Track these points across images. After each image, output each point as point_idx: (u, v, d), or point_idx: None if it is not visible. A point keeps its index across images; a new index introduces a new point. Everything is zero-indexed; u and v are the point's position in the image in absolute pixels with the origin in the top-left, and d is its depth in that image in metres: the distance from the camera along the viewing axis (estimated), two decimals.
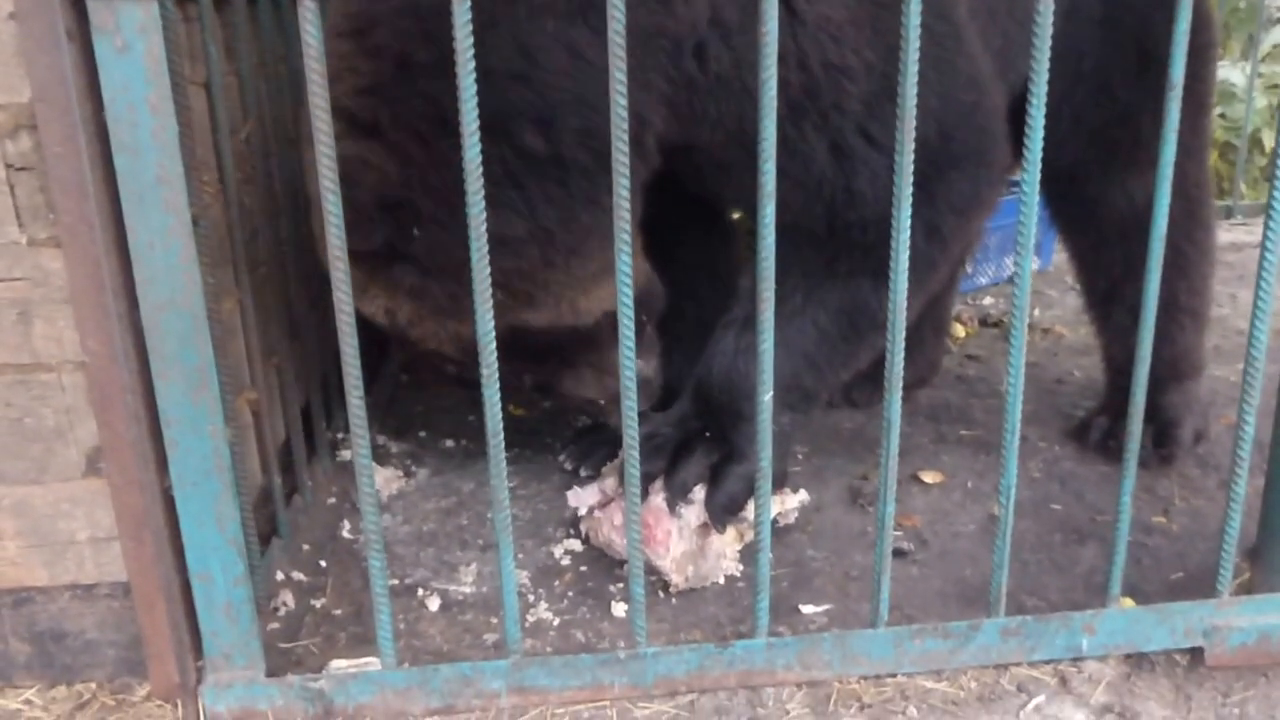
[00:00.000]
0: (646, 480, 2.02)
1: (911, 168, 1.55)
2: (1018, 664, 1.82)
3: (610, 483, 2.16)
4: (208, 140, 1.92)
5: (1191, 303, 2.60)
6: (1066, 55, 2.17)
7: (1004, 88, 2.24)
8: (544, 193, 1.88)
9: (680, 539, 2.03)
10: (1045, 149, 1.58)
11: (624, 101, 1.43)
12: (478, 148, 1.44)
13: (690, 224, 2.54)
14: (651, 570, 2.03)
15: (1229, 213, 4.79)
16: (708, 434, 2.13)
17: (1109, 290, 2.62)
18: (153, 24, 1.38)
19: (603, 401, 2.37)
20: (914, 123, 1.52)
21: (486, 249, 1.48)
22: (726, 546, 2.10)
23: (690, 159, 2.05)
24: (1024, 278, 1.64)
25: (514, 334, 1.95)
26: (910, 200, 1.57)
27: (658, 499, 2.04)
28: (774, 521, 2.09)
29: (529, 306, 2.04)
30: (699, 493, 2.07)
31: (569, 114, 1.82)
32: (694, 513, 2.06)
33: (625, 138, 1.45)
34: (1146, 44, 2.39)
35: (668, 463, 2.09)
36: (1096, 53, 2.41)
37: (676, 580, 2.03)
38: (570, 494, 2.21)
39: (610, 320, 1.99)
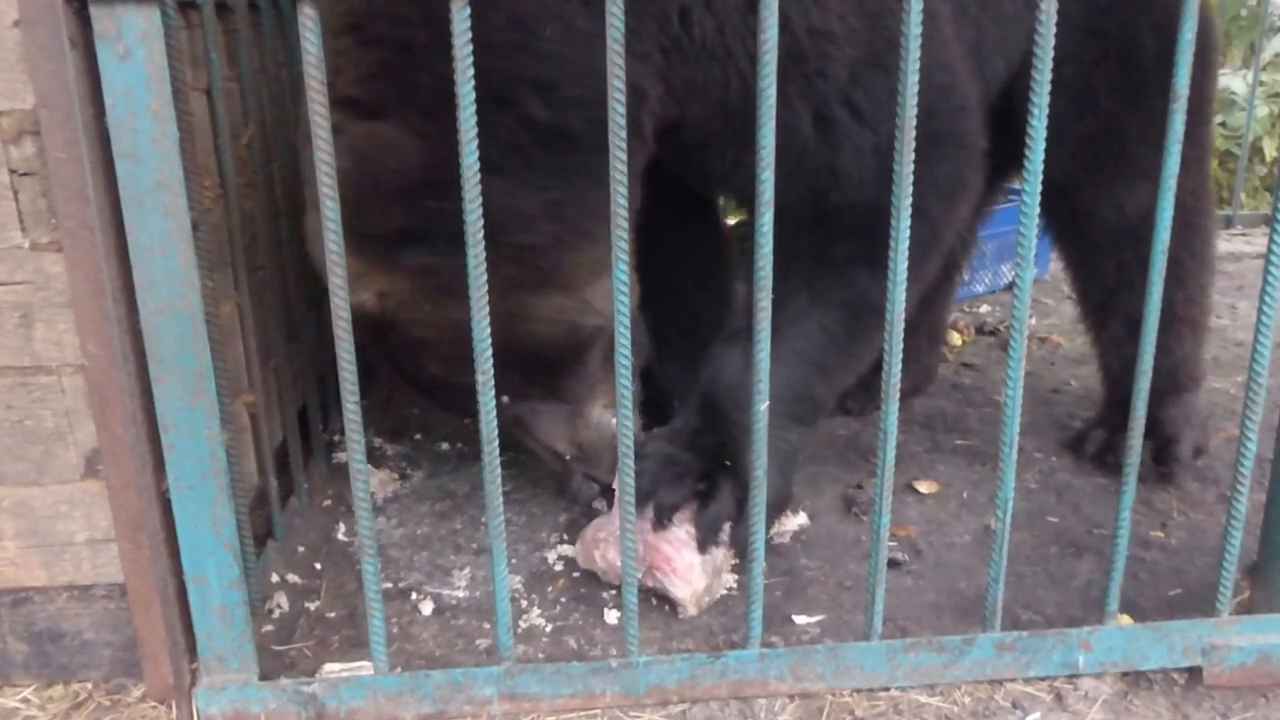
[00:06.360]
0: (670, 510, 2.02)
1: (911, 165, 1.55)
2: (1013, 680, 1.82)
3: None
4: (209, 145, 1.93)
5: (1189, 313, 2.58)
6: None
7: (980, 84, 2.20)
8: (550, 163, 1.86)
9: (703, 574, 2.01)
10: None
11: (621, 103, 1.44)
12: (475, 154, 1.45)
13: (684, 230, 2.51)
14: (662, 597, 2.02)
15: (1229, 222, 4.78)
16: (728, 463, 2.09)
17: (1103, 301, 2.62)
18: (154, 31, 1.39)
19: (566, 457, 2.24)
20: (915, 119, 1.52)
21: (483, 248, 1.49)
22: (726, 563, 2.09)
23: (682, 142, 2.03)
24: (1024, 289, 1.64)
25: (509, 332, 1.90)
26: (910, 199, 1.57)
27: (682, 530, 2.02)
28: (768, 538, 2.08)
29: (540, 287, 1.98)
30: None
31: (569, 82, 1.81)
32: (721, 552, 2.05)
33: (623, 135, 1.46)
34: (1131, 53, 2.37)
35: (691, 492, 2.05)
36: (1076, 59, 2.31)
37: (692, 612, 2.01)
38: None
39: (606, 344, 1.98)
